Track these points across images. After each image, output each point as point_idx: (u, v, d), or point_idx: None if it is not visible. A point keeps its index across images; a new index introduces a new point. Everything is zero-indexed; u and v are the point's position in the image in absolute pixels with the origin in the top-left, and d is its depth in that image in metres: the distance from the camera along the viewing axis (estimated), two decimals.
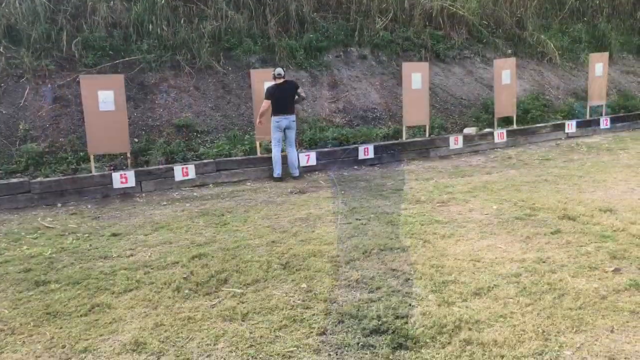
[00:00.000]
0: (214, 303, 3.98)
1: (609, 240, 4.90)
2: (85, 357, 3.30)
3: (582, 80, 13.67)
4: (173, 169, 7.89)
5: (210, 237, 5.52)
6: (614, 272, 4.19)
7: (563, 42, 14.55)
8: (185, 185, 7.98)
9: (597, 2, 16.11)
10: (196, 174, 8.02)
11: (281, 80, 8.13)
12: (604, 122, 11.90)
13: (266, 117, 8.29)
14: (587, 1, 15.95)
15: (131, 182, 7.62)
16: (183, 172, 7.88)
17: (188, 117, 9.39)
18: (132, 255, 5.10)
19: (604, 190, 6.81)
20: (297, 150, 8.29)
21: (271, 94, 8.09)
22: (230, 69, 10.59)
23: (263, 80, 8.50)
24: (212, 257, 4.90)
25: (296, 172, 8.28)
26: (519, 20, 14.50)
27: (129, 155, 8.09)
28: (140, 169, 7.93)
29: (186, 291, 4.18)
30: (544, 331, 3.34)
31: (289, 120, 8.21)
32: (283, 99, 8.18)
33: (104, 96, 7.65)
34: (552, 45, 14.05)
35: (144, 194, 7.66)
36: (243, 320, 3.68)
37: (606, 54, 12.25)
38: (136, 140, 8.84)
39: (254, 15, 11.35)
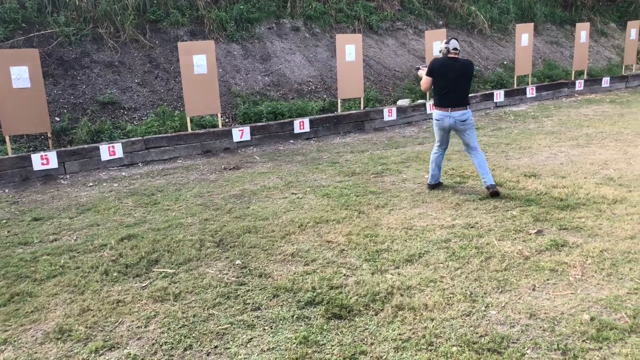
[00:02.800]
0: (144, 285, 3.86)
1: (532, 203, 5.12)
2: (4, 349, 3.11)
3: (510, 50, 14.11)
4: (99, 149, 7.52)
5: (140, 218, 5.33)
6: (536, 234, 4.38)
7: (492, 13, 14.91)
8: (112, 165, 7.64)
9: None
10: (124, 153, 7.68)
11: (455, 56, 5.52)
12: (530, 91, 12.37)
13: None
14: None
15: (53, 163, 7.20)
16: (110, 151, 7.53)
17: (113, 93, 8.94)
18: (55, 240, 4.84)
19: (529, 156, 7.10)
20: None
21: (435, 70, 5.55)
22: (157, 42, 10.14)
23: (192, 53, 8.20)
24: (142, 238, 4.73)
25: (490, 180, 5.46)
26: None
27: (50, 135, 7.63)
28: (63, 149, 7.50)
29: (115, 274, 4.03)
30: (471, 293, 3.45)
31: (455, 118, 5.46)
32: (451, 82, 5.43)
33: (18, 72, 7.13)
34: (481, 17, 14.37)
35: (68, 176, 7.27)
36: (175, 301, 3.59)
37: (531, 25, 12.66)
38: (57, 119, 8.35)
39: None
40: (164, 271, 4.07)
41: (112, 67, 9.41)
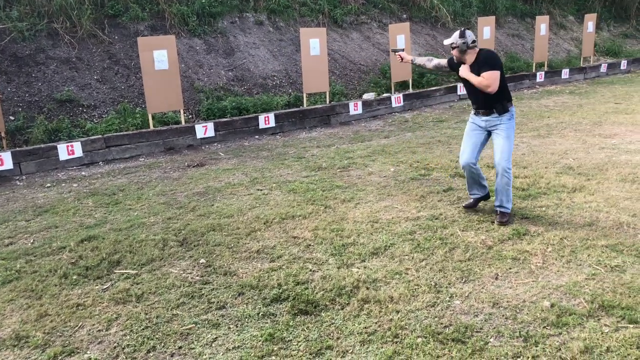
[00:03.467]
0: (105, 287, 3.76)
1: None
2: None
3: None
4: (57, 148, 7.28)
5: (100, 218, 5.19)
6: (499, 223, 4.44)
7: (455, 6, 15.07)
8: (71, 165, 7.41)
9: None
10: (83, 152, 7.46)
11: (474, 51, 4.43)
12: None
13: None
14: None
15: (8, 164, 6.94)
16: (68, 150, 7.30)
17: (71, 90, 8.67)
18: (11, 243, 4.67)
19: (491, 147, 7.19)
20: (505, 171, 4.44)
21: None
22: (116, 37, 9.88)
23: (152, 48, 8.02)
24: (103, 239, 4.60)
25: (504, 208, 4.53)
26: None
27: (4, 135, 7.36)
28: (18, 149, 7.23)
29: (74, 277, 3.91)
30: (436, 284, 3.48)
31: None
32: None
33: None
34: (444, 10, 14.52)
35: (24, 177, 7.03)
36: (138, 302, 3.51)
37: (493, 18, 12.86)
38: (12, 118, 8.05)
39: None
40: (126, 272, 3.97)
41: (69, 63, 9.13)
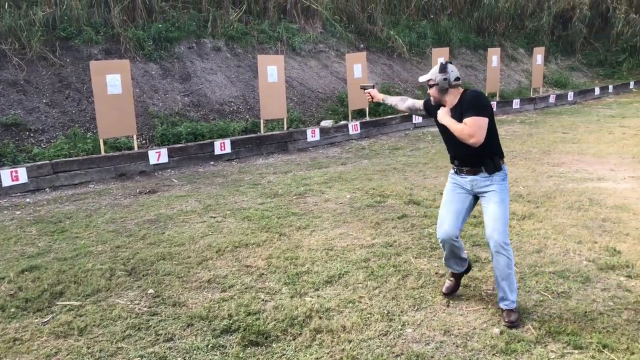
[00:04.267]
0: (46, 320, 3.57)
1: None
2: None
3: (428, 73, 14.69)
4: None
5: (44, 247, 4.96)
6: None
7: (410, 37, 15.51)
8: (15, 191, 7.10)
9: (440, 1, 17.44)
10: (29, 178, 7.17)
11: (457, 90, 3.48)
12: None
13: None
14: (430, 0, 17.19)
15: None
16: (12, 176, 7.00)
17: (18, 114, 8.37)
18: None
19: (445, 175, 7.32)
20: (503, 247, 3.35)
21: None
22: (68, 60, 9.66)
23: (105, 73, 7.86)
24: (46, 269, 4.39)
25: (508, 302, 3.38)
26: (370, 16, 15.17)
27: None
28: None
29: (12, 310, 3.70)
30: (388, 312, 3.46)
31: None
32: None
33: None
34: (400, 41, 14.90)
35: None
36: (80, 335, 3.35)
37: (446, 49, 13.27)
38: None
39: (95, 2, 10.48)
40: (69, 304, 3.79)
41: (17, 86, 8.84)
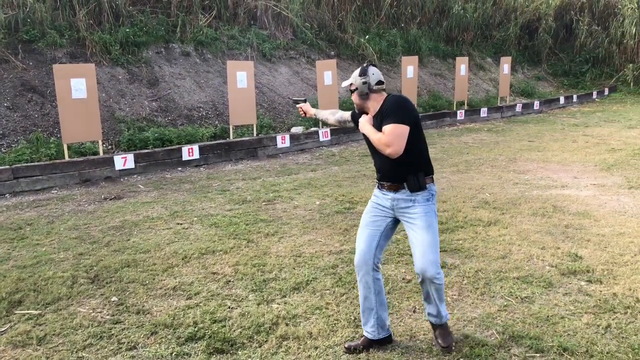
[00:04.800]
0: (3, 330, 3.46)
1: None
2: None
3: (398, 81, 14.86)
4: None
5: (3, 255, 4.80)
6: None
7: (381, 45, 15.67)
8: None
9: (410, 10, 17.68)
10: None
11: (380, 95, 3.10)
12: None
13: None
14: (400, 9, 17.41)
15: None
16: None
17: None
18: None
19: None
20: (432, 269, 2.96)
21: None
22: (31, 63, 9.43)
23: (69, 76, 7.69)
24: (4, 277, 4.26)
25: (442, 316, 3.12)
26: (341, 24, 15.27)
27: None
28: None
29: None
30: (355, 318, 3.46)
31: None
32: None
33: None
34: (370, 49, 15.04)
35: None
36: (39, 345, 3.25)
37: (416, 58, 13.46)
38: None
39: (59, 5, 10.27)
40: (27, 313, 3.67)
41: None
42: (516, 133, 12.18)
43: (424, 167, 3.01)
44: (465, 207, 5.99)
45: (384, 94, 3.06)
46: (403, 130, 2.86)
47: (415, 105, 12.33)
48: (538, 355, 2.99)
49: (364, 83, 3.01)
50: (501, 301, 3.67)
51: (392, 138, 2.85)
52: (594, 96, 19.18)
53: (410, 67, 12.92)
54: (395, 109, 2.91)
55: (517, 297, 3.71)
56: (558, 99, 17.66)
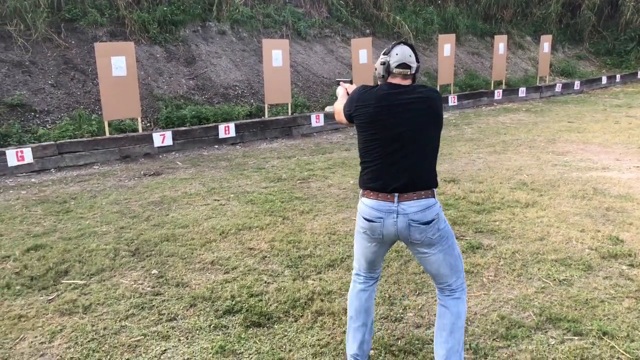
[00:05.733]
0: (51, 298, 3.61)
1: (451, 208, 5.27)
2: None
3: (434, 60, 14.60)
4: (5, 154, 7.00)
5: (49, 227, 5.00)
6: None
7: (417, 23, 15.38)
8: (21, 171, 7.14)
9: None
10: (34, 158, 7.20)
11: (403, 82, 2.51)
12: (452, 100, 12.85)
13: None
14: None
15: None
16: (18, 156, 7.04)
17: (23, 95, 8.38)
18: None
19: (449, 162, 7.33)
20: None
21: (359, 109, 2.53)
22: (73, 42, 9.63)
23: (110, 55, 7.85)
24: (51, 248, 4.43)
25: None
26: (376, 1, 15.02)
27: None
28: None
29: (18, 287, 3.75)
30: (390, 296, 3.49)
31: (409, 216, 2.41)
32: (399, 137, 2.43)
33: None
34: (406, 27, 14.78)
35: None
36: (85, 313, 3.39)
37: (453, 36, 13.17)
38: None
39: None
40: (73, 282, 3.83)
41: (22, 67, 8.83)
42: (555, 113, 11.86)
43: (363, 169, 2.55)
44: (503, 188, 5.91)
45: (408, 81, 2.52)
46: (339, 110, 2.75)
47: (452, 84, 11.97)
48: (576, 338, 2.96)
49: (383, 64, 2.52)
50: (538, 283, 3.63)
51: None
52: (639, 76, 18.45)
53: (447, 46, 12.66)
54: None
55: (555, 280, 3.67)
56: (600, 79, 17.07)
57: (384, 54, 2.54)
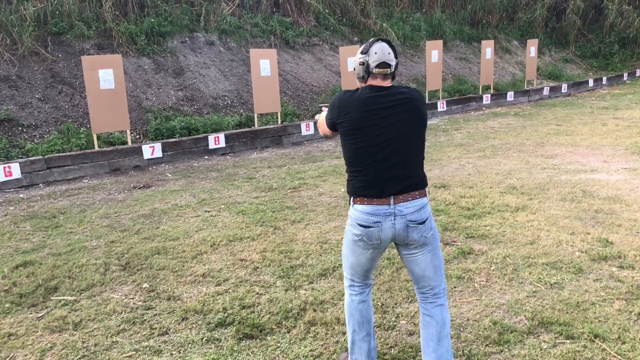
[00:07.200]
0: (40, 315, 3.57)
1: (442, 213, 5.28)
2: None
3: (422, 66, 14.70)
4: None
5: (38, 243, 4.95)
6: (445, 244, 4.50)
7: (404, 30, 15.48)
8: (8, 187, 7.08)
9: None
10: (22, 173, 7.14)
11: (384, 82, 2.46)
12: (441, 105, 12.92)
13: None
14: None
15: None
16: (5, 171, 6.98)
17: (10, 109, 8.33)
18: None
19: (439, 168, 7.36)
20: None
21: (342, 116, 2.46)
22: (60, 55, 9.61)
23: (97, 67, 7.83)
24: (40, 264, 4.39)
25: None
26: (363, 9, 15.13)
27: None
28: None
29: (7, 305, 3.70)
30: (382, 304, 3.48)
31: (406, 217, 2.42)
32: (387, 139, 2.41)
33: None
34: (394, 33, 14.88)
35: None
36: (75, 330, 3.35)
37: (440, 42, 13.26)
38: None
39: None
40: (63, 299, 3.78)
41: (9, 81, 8.79)
42: (544, 117, 11.96)
43: (350, 178, 2.52)
44: (493, 193, 5.94)
45: (388, 82, 2.46)
46: (322, 121, 2.73)
47: (440, 90, 12.06)
48: (568, 341, 2.97)
49: (362, 64, 2.43)
50: (530, 287, 3.64)
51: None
52: (625, 78, 18.67)
53: (434, 52, 12.75)
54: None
55: (546, 283, 3.68)
56: (587, 82, 17.25)
57: (361, 52, 2.46)
